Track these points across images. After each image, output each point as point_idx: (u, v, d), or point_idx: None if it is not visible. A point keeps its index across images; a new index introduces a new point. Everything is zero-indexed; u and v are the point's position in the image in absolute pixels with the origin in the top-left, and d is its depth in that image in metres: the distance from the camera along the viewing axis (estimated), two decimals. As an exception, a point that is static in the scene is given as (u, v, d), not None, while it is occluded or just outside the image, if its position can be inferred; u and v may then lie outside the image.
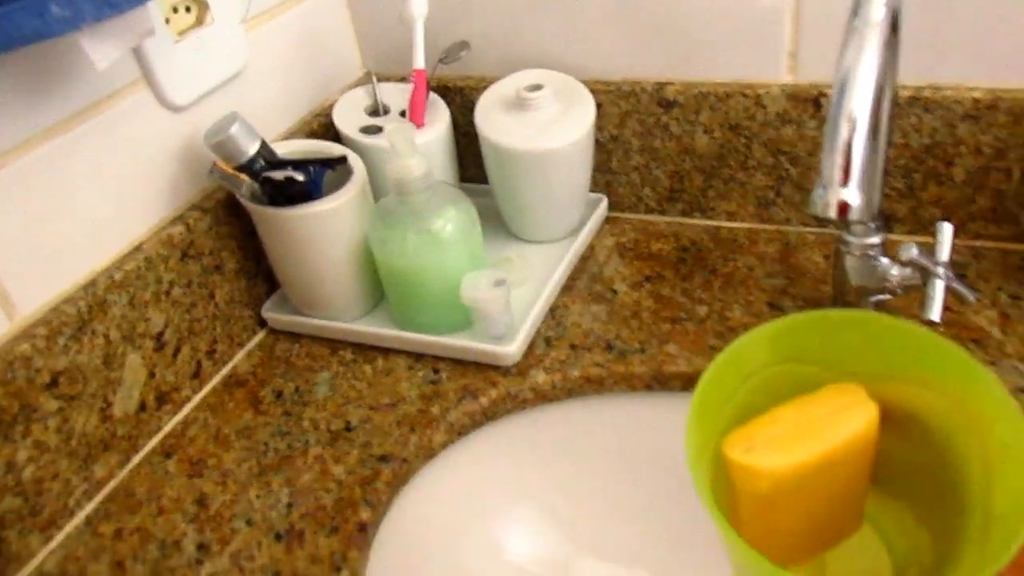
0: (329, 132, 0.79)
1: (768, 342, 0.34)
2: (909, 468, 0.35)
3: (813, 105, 0.70)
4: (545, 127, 0.71)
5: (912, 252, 0.57)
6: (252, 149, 0.64)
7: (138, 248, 0.63)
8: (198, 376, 0.68)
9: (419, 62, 0.72)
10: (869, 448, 0.33)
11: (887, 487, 0.37)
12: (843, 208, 0.41)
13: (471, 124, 0.75)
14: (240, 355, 0.72)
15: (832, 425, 0.32)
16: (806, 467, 0.32)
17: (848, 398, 0.33)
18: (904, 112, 0.67)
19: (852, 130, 0.41)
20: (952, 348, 0.29)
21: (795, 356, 0.35)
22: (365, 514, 0.56)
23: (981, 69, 0.65)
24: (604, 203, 0.80)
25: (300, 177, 0.63)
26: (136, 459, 0.63)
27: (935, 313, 0.58)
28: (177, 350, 0.66)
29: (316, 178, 0.65)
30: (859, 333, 0.33)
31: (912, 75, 0.67)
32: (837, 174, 0.41)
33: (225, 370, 0.71)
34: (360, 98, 0.79)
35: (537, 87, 0.72)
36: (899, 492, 0.37)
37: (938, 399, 0.31)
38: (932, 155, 0.68)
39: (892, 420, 0.34)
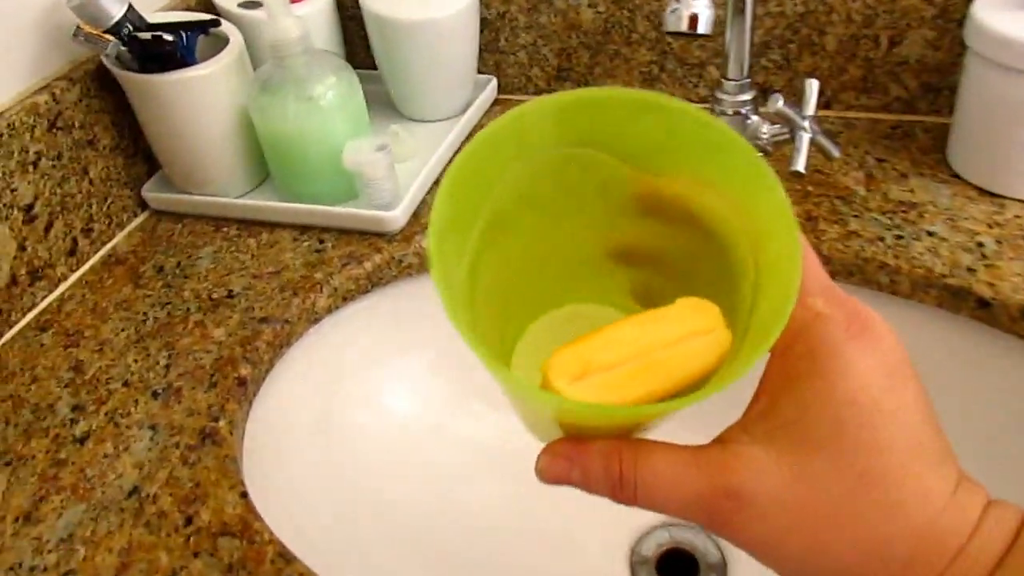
0: (209, 11, 0.76)
1: (554, 116, 0.28)
2: (694, 282, 0.31)
3: (692, -25, 0.70)
4: (428, -2, 0.70)
5: (778, 103, 0.59)
6: (118, 12, 0.61)
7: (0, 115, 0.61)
8: (74, 254, 0.66)
9: (297, -70, 0.70)
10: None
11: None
12: (694, 20, 0.42)
13: (359, 7, 0.74)
14: (120, 236, 0.71)
15: (683, 359, 0.26)
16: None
17: (700, 320, 0.27)
18: (778, -20, 0.69)
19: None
20: (746, 147, 0.26)
21: (587, 140, 0.29)
22: (245, 370, 0.56)
23: (849, -65, 0.67)
24: (493, 83, 0.80)
25: (169, 37, 0.61)
26: (9, 334, 0.62)
27: (800, 164, 0.60)
28: (49, 225, 0.64)
29: (189, 43, 0.63)
30: (656, 120, 0.27)
31: (786, -57, 0.68)
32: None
33: (104, 250, 0.69)
34: (240, -26, 0.76)
35: (420, -41, 0.71)
36: None
37: (722, 203, 0.27)
38: (806, 24, 0.70)
39: (678, 222, 0.30)
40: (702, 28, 0.42)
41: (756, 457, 0.25)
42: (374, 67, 0.78)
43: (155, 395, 0.55)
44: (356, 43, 0.82)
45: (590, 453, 0.27)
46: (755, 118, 0.62)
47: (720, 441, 0.27)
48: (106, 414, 0.54)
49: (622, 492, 0.27)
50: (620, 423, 0.27)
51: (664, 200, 0.29)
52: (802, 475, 0.25)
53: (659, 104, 0.27)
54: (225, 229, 0.69)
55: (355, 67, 0.82)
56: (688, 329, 0.26)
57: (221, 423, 0.53)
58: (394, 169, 0.65)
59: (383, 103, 0.78)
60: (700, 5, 0.41)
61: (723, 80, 0.62)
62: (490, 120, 0.78)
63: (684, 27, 0.42)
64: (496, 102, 0.81)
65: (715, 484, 0.26)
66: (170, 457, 0.51)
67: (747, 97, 0.62)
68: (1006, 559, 0.24)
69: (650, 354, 0.26)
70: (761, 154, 0.24)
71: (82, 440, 0.53)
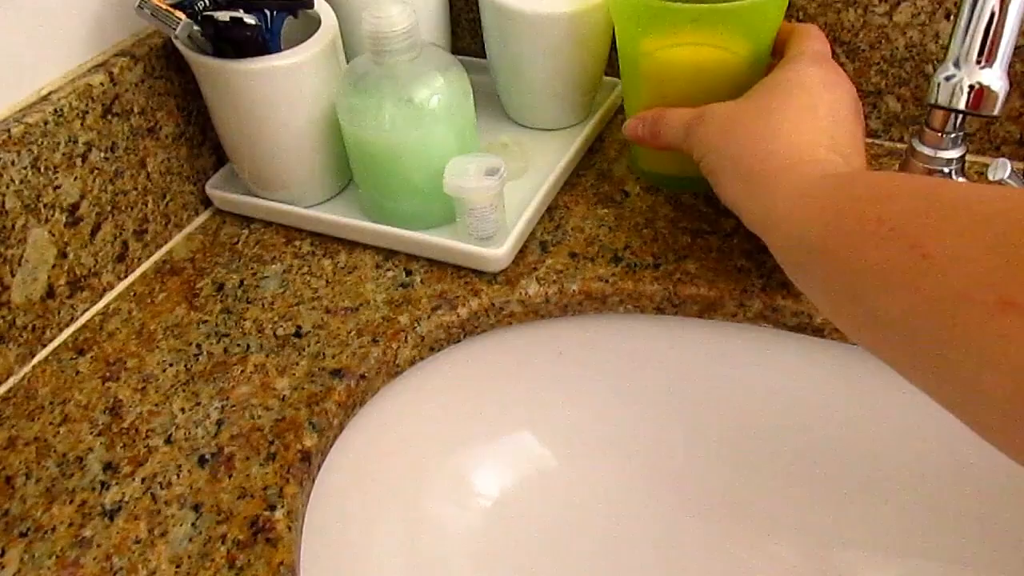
0: (298, -23, 0.65)
1: None
2: None
3: (887, -17, 0.57)
4: (559, -13, 0.58)
5: (1005, 171, 0.46)
6: (194, -19, 0.51)
7: (45, 98, 0.51)
8: (123, 260, 0.57)
9: None
10: None
11: None
12: (979, 96, 0.30)
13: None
14: (178, 238, 0.61)
15: None
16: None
17: None
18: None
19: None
20: None
21: None
22: (310, 440, 0.47)
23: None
24: (619, 88, 0.68)
25: (251, 20, 0.50)
26: (41, 354, 0.53)
27: None
28: (96, 227, 0.55)
29: (274, 26, 0.53)
30: None
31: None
32: (975, 49, 0.30)
33: (158, 254, 0.60)
34: (337, -62, 0.65)
35: (553, -63, 0.59)
36: None
37: None
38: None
39: None
40: (994, 110, 0.30)
41: (727, 103, 0.47)
42: (480, 54, 0.66)
43: (202, 461, 0.46)
44: (463, 26, 0.71)
45: (645, 113, 0.52)
46: (961, 180, 0.50)
47: None
48: (143, 480, 0.45)
49: (654, 133, 0.52)
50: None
51: None
52: (739, 106, 0.46)
53: None
54: (297, 243, 0.59)
55: (458, 54, 0.71)
56: None
57: (278, 513, 0.43)
58: (503, 198, 0.54)
59: (490, 100, 0.67)
60: (991, 76, 0.29)
61: (926, 128, 0.49)
62: (612, 133, 0.66)
63: (962, 104, 0.30)
64: (619, 109, 0.69)
65: (696, 113, 0.48)
66: (214, 555, 0.41)
67: (955, 154, 0.49)
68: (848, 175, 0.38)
69: None
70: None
71: (112, 513, 0.44)
